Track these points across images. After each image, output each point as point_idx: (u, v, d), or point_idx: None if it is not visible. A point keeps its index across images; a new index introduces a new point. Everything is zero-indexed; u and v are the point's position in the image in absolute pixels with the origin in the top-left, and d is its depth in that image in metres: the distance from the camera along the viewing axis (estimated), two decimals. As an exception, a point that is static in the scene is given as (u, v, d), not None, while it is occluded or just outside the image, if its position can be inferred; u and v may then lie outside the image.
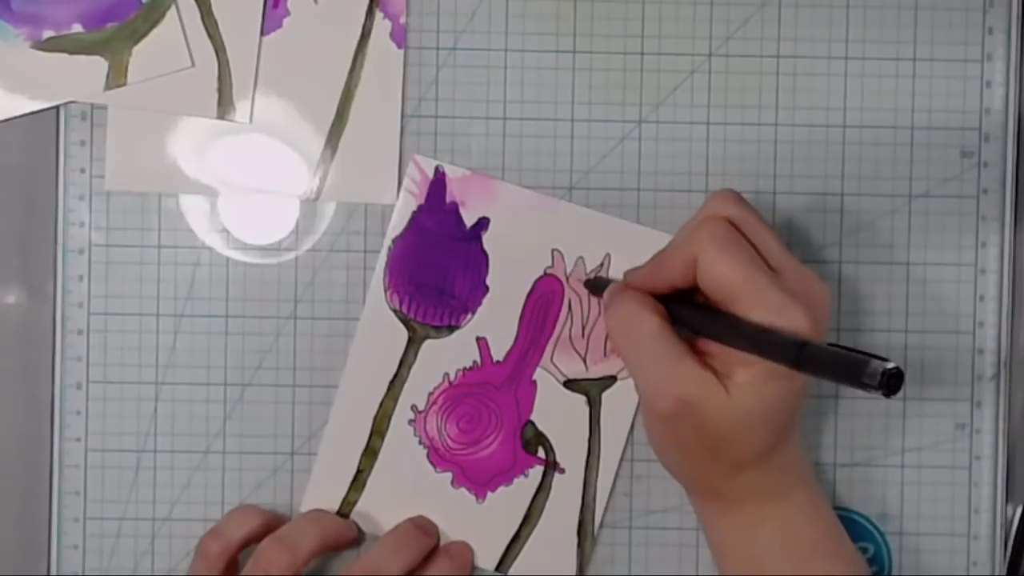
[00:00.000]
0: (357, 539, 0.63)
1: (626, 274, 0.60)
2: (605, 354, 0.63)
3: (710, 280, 0.56)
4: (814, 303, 0.55)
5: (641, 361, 0.57)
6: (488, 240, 0.63)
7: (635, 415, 0.63)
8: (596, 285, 0.62)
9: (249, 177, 0.63)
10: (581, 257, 0.63)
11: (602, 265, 0.63)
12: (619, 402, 0.63)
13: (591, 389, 0.63)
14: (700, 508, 0.60)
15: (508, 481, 0.63)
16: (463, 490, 0.63)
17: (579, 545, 0.64)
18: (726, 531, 0.59)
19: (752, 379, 0.55)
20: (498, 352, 0.63)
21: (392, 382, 0.63)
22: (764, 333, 0.54)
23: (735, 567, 0.59)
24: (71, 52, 0.62)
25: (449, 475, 0.63)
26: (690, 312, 0.57)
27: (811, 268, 0.63)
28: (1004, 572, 0.64)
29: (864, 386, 0.48)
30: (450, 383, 0.63)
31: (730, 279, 0.55)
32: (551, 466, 0.63)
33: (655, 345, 0.56)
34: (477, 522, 0.63)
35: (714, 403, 0.55)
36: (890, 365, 0.48)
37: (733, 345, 0.55)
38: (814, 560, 0.58)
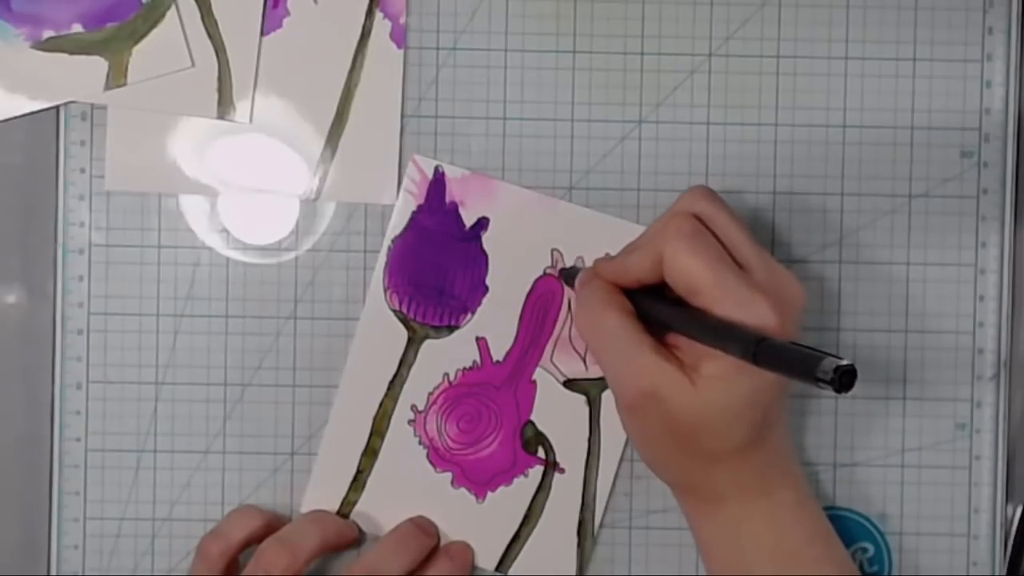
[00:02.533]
0: (357, 539, 0.63)
1: (595, 263, 0.60)
2: (605, 354, 0.63)
3: (675, 274, 0.56)
4: (783, 300, 0.55)
5: (606, 353, 0.57)
6: (488, 240, 0.63)
7: (635, 415, 0.63)
8: (568, 275, 0.62)
9: (249, 177, 0.63)
10: (581, 257, 0.63)
11: (602, 265, 0.63)
12: (619, 402, 0.63)
13: (591, 389, 0.63)
14: (684, 506, 0.60)
15: (508, 481, 0.63)
16: (463, 490, 0.63)
17: (579, 545, 0.64)
18: (709, 530, 0.58)
19: (719, 372, 0.55)
20: (498, 352, 0.63)
21: (392, 382, 0.63)
22: (725, 327, 0.54)
23: (721, 567, 0.58)
24: (71, 52, 0.62)
25: (449, 475, 0.63)
26: (655, 305, 0.57)
27: (811, 267, 0.63)
28: (1004, 572, 0.64)
29: (817, 382, 0.48)
30: (450, 383, 0.63)
31: (694, 273, 0.55)
32: (551, 466, 0.63)
33: (619, 337, 0.56)
34: (477, 522, 0.63)
35: (679, 395, 0.55)
36: (844, 362, 0.48)
37: (696, 338, 0.55)
38: (801, 562, 0.57)
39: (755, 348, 0.51)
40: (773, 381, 0.55)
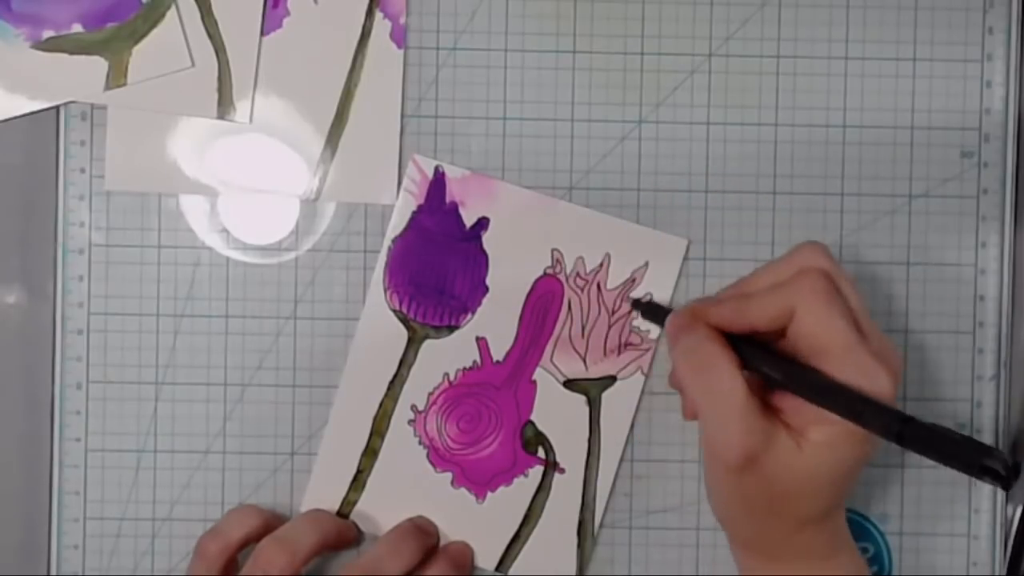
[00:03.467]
0: (357, 539, 0.63)
1: (693, 304, 0.58)
2: (605, 354, 0.63)
3: (806, 333, 0.54)
4: (894, 371, 0.54)
5: (714, 410, 0.55)
6: (488, 240, 0.63)
7: (635, 415, 0.63)
8: (650, 310, 0.61)
9: (249, 177, 0.63)
10: (581, 257, 0.63)
11: (602, 265, 0.63)
12: (619, 402, 0.63)
13: (591, 389, 0.63)
14: (744, 562, 0.59)
15: (508, 481, 0.63)
16: (463, 490, 0.63)
17: (579, 545, 0.64)
18: None
19: (828, 439, 0.54)
20: (498, 352, 0.63)
21: (392, 382, 0.63)
22: (863, 400, 0.53)
23: None
24: (71, 52, 0.62)
25: (449, 475, 0.63)
26: (773, 362, 0.55)
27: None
28: (1004, 572, 0.64)
29: (981, 474, 0.48)
30: (450, 383, 0.63)
31: (829, 334, 0.54)
32: (551, 466, 0.63)
33: (733, 397, 0.54)
34: (477, 522, 0.63)
35: (785, 460, 0.54)
36: (1008, 457, 0.47)
37: (821, 404, 0.53)
38: None
39: (900, 427, 0.51)
40: (871, 450, 0.55)
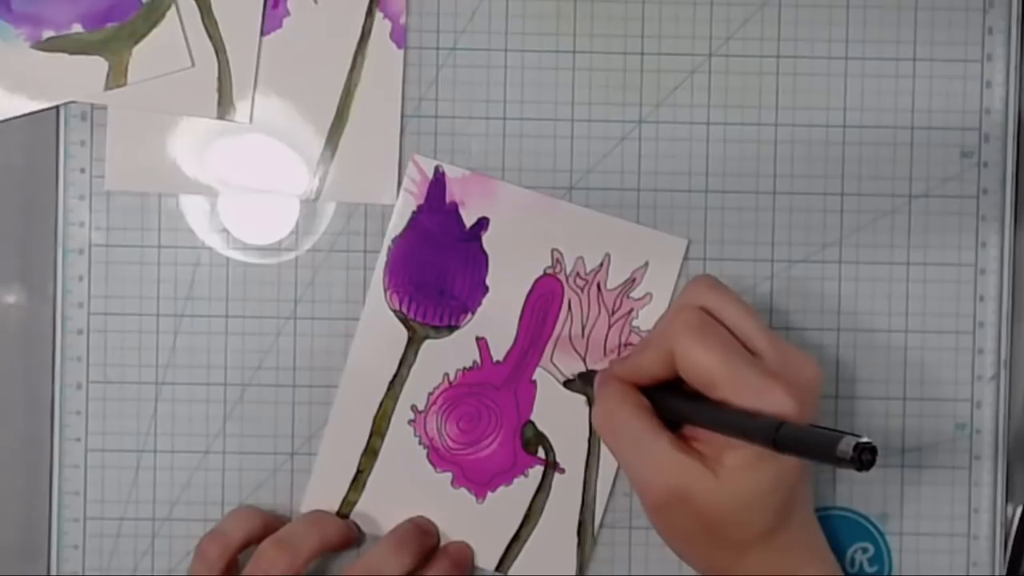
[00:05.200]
0: (357, 540, 0.63)
1: (611, 363, 0.61)
2: (605, 354, 0.63)
3: (689, 369, 0.56)
4: (799, 384, 0.55)
5: (626, 453, 0.58)
6: (488, 240, 0.63)
7: (635, 415, 0.63)
8: (586, 379, 0.63)
9: (249, 177, 0.63)
10: (581, 257, 0.63)
11: (602, 265, 0.63)
12: (619, 402, 0.63)
13: (591, 389, 0.63)
14: None
15: (508, 481, 0.63)
16: (463, 490, 0.63)
17: (579, 545, 0.64)
18: None
19: (742, 462, 0.55)
20: (498, 352, 0.63)
21: (392, 382, 0.63)
22: (743, 416, 0.54)
23: None
24: (71, 52, 0.62)
25: (449, 475, 0.63)
26: (672, 400, 0.58)
27: (811, 267, 0.63)
28: (1004, 572, 0.64)
29: (838, 462, 0.49)
30: (450, 383, 0.63)
31: (707, 366, 0.55)
32: (551, 466, 0.63)
33: (637, 435, 0.57)
34: (477, 522, 0.63)
35: (704, 489, 0.55)
36: (863, 439, 0.49)
37: (717, 430, 0.55)
38: None
39: (775, 434, 0.52)
40: (796, 464, 0.56)
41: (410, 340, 0.63)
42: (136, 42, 0.62)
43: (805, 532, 0.58)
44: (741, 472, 0.55)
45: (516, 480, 0.63)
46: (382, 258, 0.63)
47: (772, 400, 0.54)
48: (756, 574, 0.57)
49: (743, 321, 0.57)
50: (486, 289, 0.63)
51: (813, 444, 0.51)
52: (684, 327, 0.56)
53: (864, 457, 0.48)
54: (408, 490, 0.63)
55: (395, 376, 0.63)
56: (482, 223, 0.63)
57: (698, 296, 0.58)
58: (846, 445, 0.49)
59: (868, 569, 0.64)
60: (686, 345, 0.56)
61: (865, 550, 0.64)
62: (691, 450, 0.56)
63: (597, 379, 0.61)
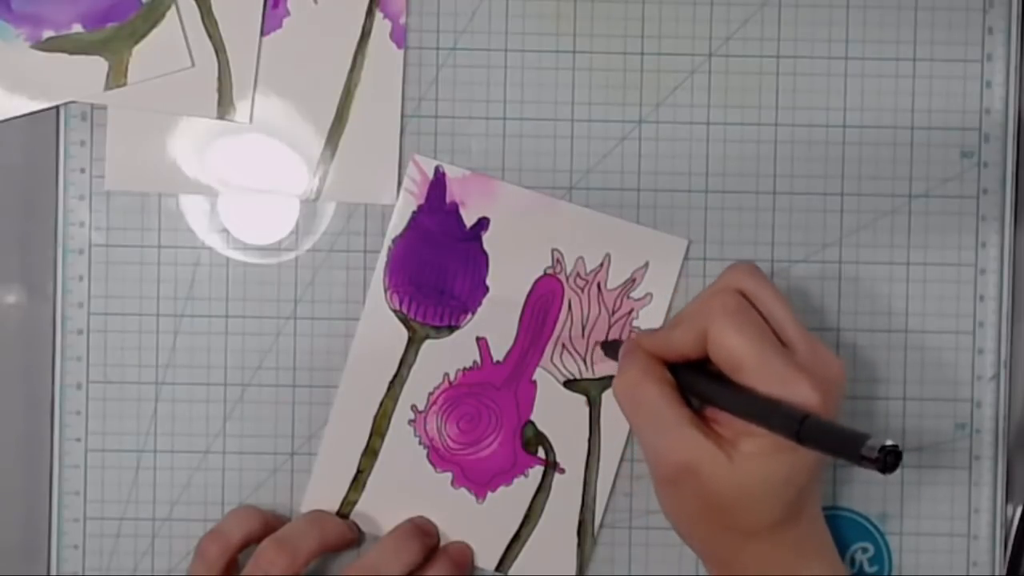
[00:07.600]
0: (357, 540, 0.63)
1: (638, 335, 0.60)
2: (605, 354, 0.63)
3: (719, 351, 0.56)
4: (825, 378, 0.55)
5: (644, 424, 0.58)
6: (488, 240, 0.63)
7: (635, 415, 0.63)
8: (609, 347, 0.62)
9: (249, 177, 0.63)
10: (581, 257, 0.63)
11: (602, 265, 0.63)
12: (619, 402, 0.63)
13: (591, 389, 0.63)
14: (709, 572, 0.59)
15: (508, 481, 0.63)
16: (463, 490, 0.63)
17: (579, 545, 0.64)
18: None
19: (758, 449, 0.55)
20: (498, 352, 0.63)
21: (392, 382, 0.63)
22: (768, 404, 0.54)
23: None
24: (71, 52, 0.62)
25: (449, 475, 0.63)
26: (698, 380, 0.58)
27: (811, 267, 0.63)
28: (1004, 572, 0.64)
29: (861, 461, 0.49)
30: (450, 383, 0.63)
31: (738, 350, 0.55)
32: (551, 466, 0.63)
33: (658, 409, 0.57)
34: (477, 522, 0.63)
35: (715, 470, 0.55)
36: (888, 443, 0.48)
37: (738, 415, 0.55)
38: None
39: (799, 426, 0.52)
40: (810, 460, 0.56)
41: (410, 340, 0.63)
42: (136, 42, 0.62)
43: (814, 530, 0.58)
44: (756, 460, 0.55)
45: (516, 480, 0.63)
46: (382, 258, 0.63)
47: (798, 391, 0.54)
48: (759, 565, 0.57)
49: (778, 311, 0.57)
50: (486, 289, 0.63)
51: (837, 440, 0.51)
52: (721, 308, 0.56)
53: (889, 459, 0.48)
54: (408, 490, 0.63)
55: (395, 376, 0.63)
56: (482, 223, 0.63)
57: (737, 280, 0.58)
58: (873, 444, 0.48)
59: (868, 569, 0.64)
60: (721, 325, 0.56)
61: (865, 550, 0.64)
62: (709, 431, 0.56)
63: (623, 348, 0.60)
